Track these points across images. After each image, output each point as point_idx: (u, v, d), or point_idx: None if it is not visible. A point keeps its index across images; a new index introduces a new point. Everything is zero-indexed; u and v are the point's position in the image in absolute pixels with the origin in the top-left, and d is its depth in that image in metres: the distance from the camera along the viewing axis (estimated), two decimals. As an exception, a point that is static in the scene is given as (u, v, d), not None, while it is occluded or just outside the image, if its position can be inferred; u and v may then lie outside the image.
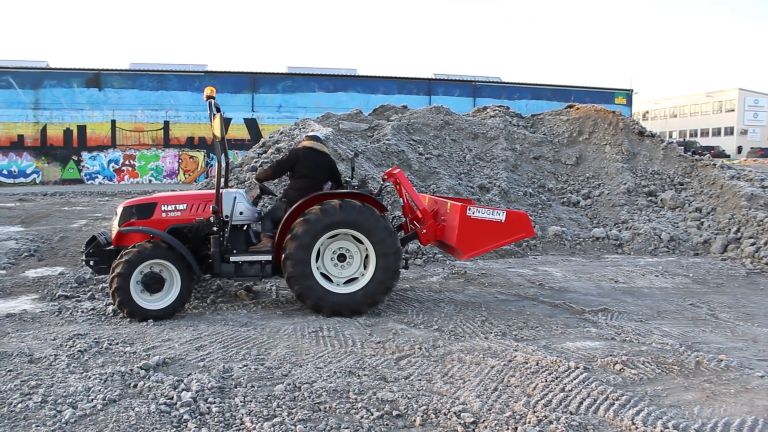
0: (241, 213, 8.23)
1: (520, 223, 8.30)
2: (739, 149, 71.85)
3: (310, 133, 8.80)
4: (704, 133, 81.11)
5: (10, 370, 5.66)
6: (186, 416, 4.68)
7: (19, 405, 4.84)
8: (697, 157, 17.20)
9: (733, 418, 4.81)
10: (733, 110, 79.26)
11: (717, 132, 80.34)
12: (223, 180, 8.49)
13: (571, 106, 19.36)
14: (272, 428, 4.46)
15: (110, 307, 7.94)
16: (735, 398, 5.26)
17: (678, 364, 6.08)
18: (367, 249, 7.99)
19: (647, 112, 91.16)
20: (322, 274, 7.99)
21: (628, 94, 49.99)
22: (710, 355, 6.29)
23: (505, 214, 8.24)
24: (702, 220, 14.11)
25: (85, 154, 38.73)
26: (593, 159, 16.88)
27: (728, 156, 57.46)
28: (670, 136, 77.30)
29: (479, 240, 8.18)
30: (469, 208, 8.15)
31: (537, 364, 5.96)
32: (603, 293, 9.49)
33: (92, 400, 4.94)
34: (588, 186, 15.98)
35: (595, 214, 14.83)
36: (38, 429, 4.45)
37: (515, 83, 47.78)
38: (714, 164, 16.11)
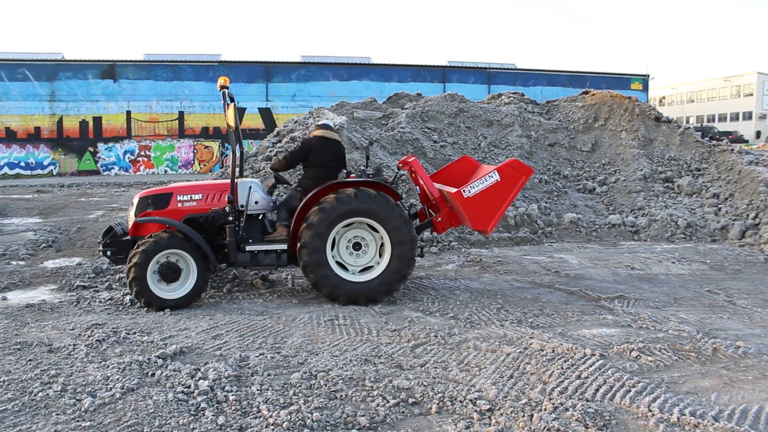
0: (256, 202, 8.25)
1: (515, 170, 8.09)
2: (758, 134, 71.01)
3: (320, 122, 8.79)
4: (722, 118, 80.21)
5: (30, 360, 5.73)
6: (203, 404, 4.71)
7: (40, 394, 4.90)
8: (714, 142, 17.03)
9: (750, 405, 4.78)
10: (751, 94, 78.28)
11: (735, 117, 79.40)
12: (238, 170, 8.52)
13: (586, 92, 19.22)
14: (289, 416, 4.49)
15: (127, 297, 8.01)
16: (753, 385, 5.23)
17: (695, 351, 6.05)
18: (382, 237, 7.99)
19: (664, 98, 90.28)
20: (338, 263, 8.00)
21: (644, 80, 49.56)
22: (728, 342, 6.25)
23: (497, 173, 8.06)
24: (719, 206, 13.99)
25: (100, 146, 38.98)
26: (609, 145, 16.77)
27: (746, 141, 56.82)
28: (687, 122, 76.62)
29: (489, 210, 8.02)
30: (464, 190, 8.01)
31: (553, 351, 5.95)
32: (619, 280, 9.45)
33: (111, 388, 4.99)
34: (604, 172, 15.88)
35: (611, 201, 14.74)
36: (58, 417, 4.50)
37: (530, 70, 47.44)
38: (732, 149, 15.93)
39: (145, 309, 7.61)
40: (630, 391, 5.04)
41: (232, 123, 7.83)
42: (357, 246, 8.10)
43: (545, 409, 4.67)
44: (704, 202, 14.27)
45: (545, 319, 7.23)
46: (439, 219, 8.56)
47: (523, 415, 4.58)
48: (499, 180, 8.02)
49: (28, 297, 8.33)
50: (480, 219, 8.07)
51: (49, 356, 5.86)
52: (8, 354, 5.91)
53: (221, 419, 4.47)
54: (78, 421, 4.45)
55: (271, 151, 13.89)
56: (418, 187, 9.08)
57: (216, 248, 8.05)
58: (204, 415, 4.57)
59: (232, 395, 4.88)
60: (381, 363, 5.71)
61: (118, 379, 5.21)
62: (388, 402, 4.82)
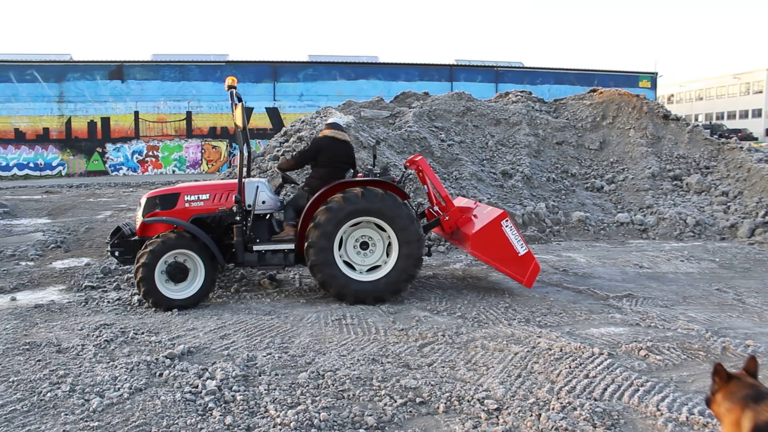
0: (263, 202, 8.26)
1: (527, 267, 8.13)
2: (767, 132, 70.62)
3: (330, 121, 8.76)
4: (731, 116, 79.70)
5: (39, 360, 5.76)
6: (211, 404, 4.72)
7: (49, 394, 4.92)
8: (723, 140, 16.96)
9: (760, 404, 4.75)
10: (761, 92, 77.71)
11: (744, 114, 78.88)
12: (245, 169, 8.52)
13: (594, 91, 19.17)
14: (296, 416, 4.49)
15: (135, 297, 8.02)
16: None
17: (704, 350, 6.02)
18: (389, 236, 7.99)
19: (672, 95, 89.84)
20: (345, 262, 8.00)
21: (652, 78, 49.31)
22: (737, 341, 6.22)
23: (526, 251, 8.15)
24: (728, 204, 13.92)
25: (109, 146, 39.05)
26: (617, 143, 16.71)
27: (756, 139, 56.50)
28: (696, 120, 76.16)
29: (490, 248, 8.13)
30: (506, 220, 8.13)
31: (561, 350, 5.94)
32: (627, 279, 9.41)
33: (119, 389, 5.01)
34: (612, 171, 15.82)
35: (620, 199, 14.69)
36: (67, 417, 4.52)
37: (537, 68, 47.26)
38: (741, 147, 15.87)
39: (153, 309, 7.63)
40: (638, 390, 5.02)
41: (239, 123, 7.85)
42: (364, 245, 8.09)
43: (553, 409, 4.65)
44: (713, 200, 14.21)
45: (553, 318, 7.21)
46: (447, 218, 8.57)
47: (531, 415, 4.57)
48: (518, 255, 8.11)
49: (37, 297, 8.36)
50: (480, 241, 8.14)
51: (57, 356, 5.88)
52: (17, 354, 5.94)
53: (229, 419, 4.48)
54: (86, 421, 4.47)
55: (278, 151, 13.91)
56: (425, 187, 9.07)
57: (223, 248, 8.06)
58: (212, 414, 4.58)
59: (240, 395, 4.89)
60: (388, 362, 5.71)
61: (126, 379, 5.22)
62: (396, 401, 4.82)
